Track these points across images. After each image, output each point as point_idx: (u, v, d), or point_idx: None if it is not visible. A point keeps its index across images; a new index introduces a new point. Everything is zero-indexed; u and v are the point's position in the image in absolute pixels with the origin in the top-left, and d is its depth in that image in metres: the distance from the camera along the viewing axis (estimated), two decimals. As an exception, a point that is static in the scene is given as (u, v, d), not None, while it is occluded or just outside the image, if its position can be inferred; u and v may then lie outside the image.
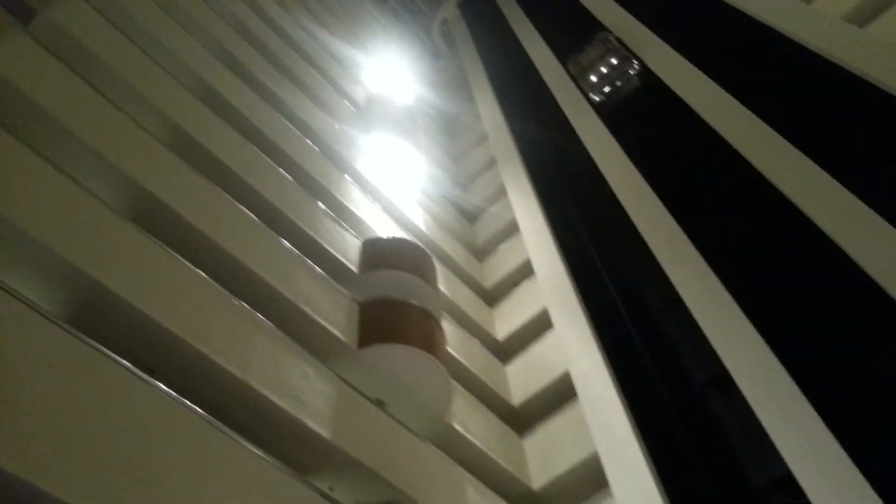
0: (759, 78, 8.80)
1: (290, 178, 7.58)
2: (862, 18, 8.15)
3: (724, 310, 6.22)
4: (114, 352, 3.92)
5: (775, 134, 7.42)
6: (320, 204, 7.72)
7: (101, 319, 4.42)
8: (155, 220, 5.38)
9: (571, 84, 12.04)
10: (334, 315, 6.32)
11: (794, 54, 8.54)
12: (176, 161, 5.94)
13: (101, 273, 4.36)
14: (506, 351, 9.20)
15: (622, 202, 8.58)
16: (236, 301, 5.28)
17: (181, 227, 5.53)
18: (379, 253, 7.52)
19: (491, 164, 13.11)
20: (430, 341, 6.71)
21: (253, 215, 6.35)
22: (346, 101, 11.22)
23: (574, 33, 13.48)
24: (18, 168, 4.46)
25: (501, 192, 11.85)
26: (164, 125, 6.44)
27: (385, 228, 8.57)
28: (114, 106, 5.73)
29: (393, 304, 6.84)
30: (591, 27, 12.96)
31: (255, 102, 8.29)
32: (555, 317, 8.46)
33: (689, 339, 6.58)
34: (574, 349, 7.64)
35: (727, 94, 8.57)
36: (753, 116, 7.87)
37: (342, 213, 8.11)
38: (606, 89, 11.79)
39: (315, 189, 8.01)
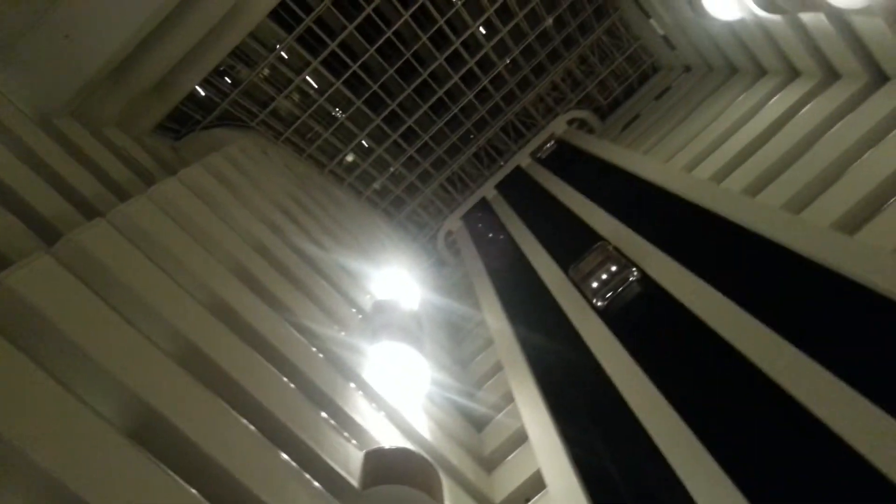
0: (756, 283, 9.10)
1: (293, 386, 7.54)
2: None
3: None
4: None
5: (772, 332, 7.53)
6: (323, 414, 7.59)
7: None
8: (155, 435, 5.29)
9: (574, 290, 12.40)
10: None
11: (787, 261, 8.92)
12: (183, 375, 5.98)
13: (99, 499, 4.23)
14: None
15: (633, 409, 8.44)
16: (230, 523, 5.00)
17: (179, 442, 5.41)
18: (382, 466, 7.22)
19: (497, 368, 13.05)
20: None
21: (253, 428, 6.23)
22: (353, 309, 11.48)
23: (573, 242, 14.17)
24: (23, 385, 4.49)
25: (509, 398, 11.66)
26: (176, 340, 6.57)
27: (389, 437, 8.32)
28: (126, 322, 5.90)
29: None
30: (589, 238, 13.65)
31: (265, 313, 8.50)
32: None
33: None
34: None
35: (725, 298, 8.81)
36: (750, 318, 8.04)
37: (345, 423, 7.94)
38: (608, 295, 12.11)
39: (319, 398, 7.92)
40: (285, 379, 7.51)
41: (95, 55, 8.82)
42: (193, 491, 4.94)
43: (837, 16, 11.63)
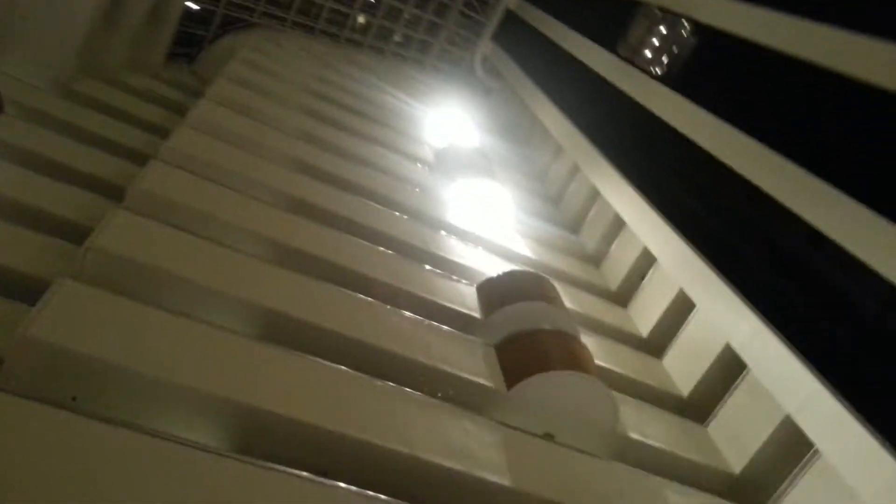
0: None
1: (390, 252, 7.78)
2: None
3: (881, 231, 5.70)
4: (287, 465, 4.09)
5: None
6: (426, 266, 7.84)
7: (268, 439, 4.63)
8: (283, 332, 5.64)
9: (629, 67, 11.77)
10: (474, 365, 6.31)
11: None
12: (285, 273, 6.25)
13: (254, 398, 4.60)
14: (656, 345, 8.85)
15: (718, 157, 8.19)
16: (379, 382, 5.38)
17: (308, 331, 5.76)
18: (496, 292, 7.49)
19: (574, 171, 12.94)
20: (575, 360, 6.53)
21: (368, 297, 6.53)
22: (417, 164, 11.48)
23: (612, 20, 13.28)
24: (160, 330, 4.82)
25: (594, 195, 11.62)
26: (266, 245, 6.82)
27: (494, 267, 8.54)
28: (217, 244, 6.15)
29: (527, 337, 6.73)
30: (629, 8, 12.74)
31: (338, 196, 8.63)
32: (694, 295, 8.07)
33: (841, 268, 6.06)
34: (726, 320, 7.22)
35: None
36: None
37: (448, 267, 8.19)
38: (665, 59, 11.47)
39: (416, 253, 8.16)
40: (380, 248, 7.73)
41: (82, 4, 8.62)
42: (341, 367, 5.30)
43: None
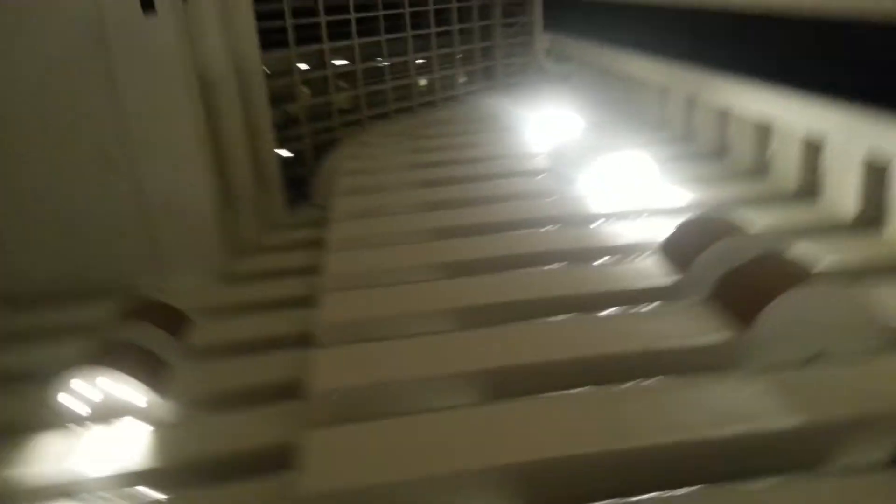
0: None
1: (561, 264, 7.68)
2: None
3: None
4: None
5: None
6: (593, 263, 7.66)
7: (558, 486, 4.61)
8: (513, 384, 5.66)
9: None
10: (695, 326, 5.99)
11: None
12: (481, 332, 6.38)
13: (530, 453, 4.64)
14: (868, 221, 8.01)
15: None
16: (624, 386, 5.25)
17: (533, 373, 5.73)
18: (682, 245, 7.12)
19: (690, 104, 12.27)
20: (798, 274, 5.97)
21: (560, 317, 6.46)
22: (542, 174, 11.40)
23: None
24: (417, 433, 5.03)
25: (723, 114, 10.93)
26: (452, 316, 6.97)
27: (666, 229, 8.13)
28: (415, 338, 6.39)
29: (739, 273, 6.25)
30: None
31: (487, 241, 8.71)
32: (886, 150, 7.26)
33: None
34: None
35: None
36: None
37: (620, 250, 7.94)
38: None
39: (585, 255, 7.99)
40: (549, 266, 7.67)
41: (204, 215, 9.67)
42: (585, 388, 5.24)
43: None
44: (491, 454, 4.60)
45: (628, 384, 5.24)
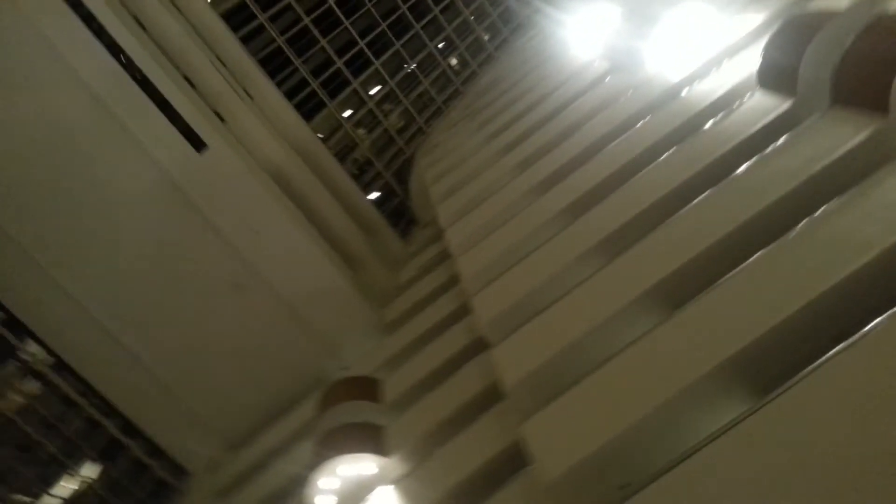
0: None
1: (671, 150, 7.33)
2: None
3: None
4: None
5: None
6: (704, 124, 7.23)
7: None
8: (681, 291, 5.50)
9: None
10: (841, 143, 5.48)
11: None
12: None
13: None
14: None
15: None
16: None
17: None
18: (791, 35, 6.43)
19: None
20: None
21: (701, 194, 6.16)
22: (605, 81, 10.96)
23: None
24: (617, 382, 5.03)
25: None
26: (594, 256, 6.87)
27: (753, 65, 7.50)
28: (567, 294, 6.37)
29: (847, 73, 5.60)
30: None
31: (589, 169, 8.47)
32: None
33: None
34: None
35: None
36: None
37: (719, 104, 7.44)
38: None
39: (683, 131, 7.58)
40: (660, 159, 7.34)
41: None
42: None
43: None
44: (702, 359, 4.47)
45: (798, 227, 4.89)
